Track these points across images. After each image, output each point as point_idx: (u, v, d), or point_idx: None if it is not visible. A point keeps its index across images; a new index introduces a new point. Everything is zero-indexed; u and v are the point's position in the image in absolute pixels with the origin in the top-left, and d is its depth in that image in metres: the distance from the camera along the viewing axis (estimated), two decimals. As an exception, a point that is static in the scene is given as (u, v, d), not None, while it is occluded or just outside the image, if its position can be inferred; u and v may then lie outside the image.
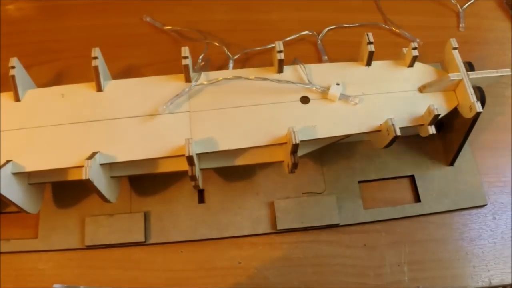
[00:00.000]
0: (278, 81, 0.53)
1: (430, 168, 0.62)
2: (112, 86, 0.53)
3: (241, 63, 0.67)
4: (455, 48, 0.55)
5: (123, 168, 0.53)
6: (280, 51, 0.53)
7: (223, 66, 0.66)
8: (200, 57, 0.64)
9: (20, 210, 0.50)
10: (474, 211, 0.61)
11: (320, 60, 0.69)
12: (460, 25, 0.73)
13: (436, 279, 0.57)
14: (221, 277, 0.56)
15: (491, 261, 0.58)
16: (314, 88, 0.54)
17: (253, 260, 0.57)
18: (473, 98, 0.52)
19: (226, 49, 0.67)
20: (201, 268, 0.57)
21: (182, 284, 0.56)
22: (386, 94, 0.54)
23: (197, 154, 0.49)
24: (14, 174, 0.49)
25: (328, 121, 0.52)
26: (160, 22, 0.70)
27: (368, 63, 0.56)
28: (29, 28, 0.70)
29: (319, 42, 0.70)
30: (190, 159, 0.48)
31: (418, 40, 0.68)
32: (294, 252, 0.58)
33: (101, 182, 0.48)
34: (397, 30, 0.71)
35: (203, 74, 0.54)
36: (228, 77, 0.52)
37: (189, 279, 0.56)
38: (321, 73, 0.55)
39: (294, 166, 0.51)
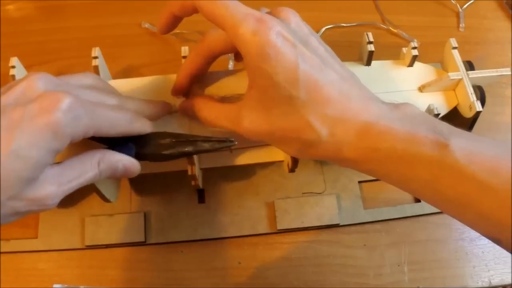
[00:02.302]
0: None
1: (430, 168, 0.62)
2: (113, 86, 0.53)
3: (241, 63, 0.67)
4: (454, 48, 0.55)
5: (123, 168, 0.52)
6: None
7: (224, 67, 0.66)
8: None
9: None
10: (474, 211, 0.60)
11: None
12: (460, 25, 0.73)
13: (436, 279, 0.57)
14: (221, 277, 0.56)
15: (491, 261, 0.58)
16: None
17: (253, 260, 0.57)
18: (472, 97, 0.52)
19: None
20: (201, 268, 0.57)
21: (182, 284, 0.56)
22: (386, 94, 0.54)
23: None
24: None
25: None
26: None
27: (368, 63, 0.56)
28: (29, 28, 0.70)
29: (317, 41, 0.70)
30: (190, 158, 0.48)
31: (415, 40, 0.68)
32: (294, 252, 0.58)
33: (101, 181, 0.48)
34: (395, 30, 0.71)
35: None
36: (227, 96, 0.53)
37: (189, 279, 0.56)
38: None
39: (294, 165, 0.51)
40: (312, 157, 0.44)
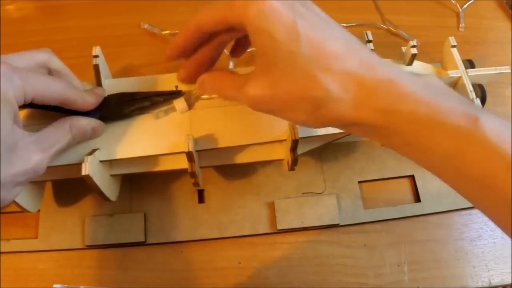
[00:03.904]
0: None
1: (430, 168, 0.62)
2: (113, 85, 0.53)
3: (242, 63, 0.67)
4: (453, 46, 0.55)
5: (123, 166, 0.53)
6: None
7: (223, 67, 0.66)
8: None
9: (20, 209, 0.50)
10: (474, 211, 0.60)
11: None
12: (460, 25, 0.73)
13: (436, 279, 0.57)
14: (221, 277, 0.56)
15: (491, 261, 0.58)
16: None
17: (253, 260, 0.57)
18: (472, 94, 0.52)
19: (225, 50, 0.67)
20: (201, 268, 0.57)
21: (182, 284, 0.56)
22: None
23: (196, 151, 0.50)
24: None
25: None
26: (158, 28, 0.70)
27: (368, 62, 0.56)
28: (29, 28, 0.70)
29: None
30: (190, 155, 0.48)
31: (415, 40, 0.68)
32: (294, 252, 0.58)
33: (101, 179, 0.48)
34: (395, 30, 0.72)
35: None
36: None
37: (189, 279, 0.56)
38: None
39: (294, 163, 0.51)
40: (324, 122, 0.40)
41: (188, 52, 0.47)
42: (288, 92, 0.39)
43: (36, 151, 0.42)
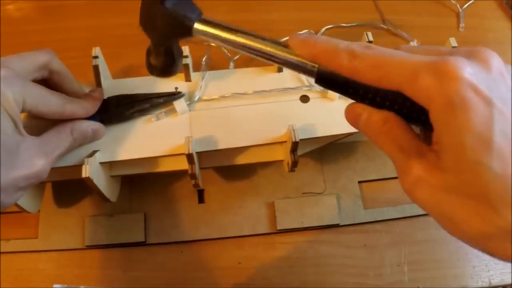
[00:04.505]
0: (277, 90, 0.53)
1: (430, 168, 0.62)
2: (112, 86, 0.53)
3: (242, 64, 0.67)
4: (454, 47, 0.55)
5: (123, 167, 0.53)
6: (279, 50, 0.53)
7: (223, 67, 0.66)
8: (204, 59, 0.64)
9: (20, 209, 0.50)
10: (474, 211, 0.60)
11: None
12: (460, 25, 0.73)
13: (436, 279, 0.57)
14: (221, 277, 0.56)
15: (491, 261, 0.58)
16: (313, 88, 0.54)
17: (253, 260, 0.57)
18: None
19: (225, 50, 0.67)
20: (201, 268, 0.57)
21: (182, 284, 0.56)
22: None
23: (197, 152, 0.50)
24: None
25: (328, 120, 0.52)
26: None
27: (368, 63, 0.56)
28: (29, 28, 0.70)
29: (317, 42, 0.70)
30: (190, 157, 0.48)
31: (415, 40, 0.68)
32: (294, 252, 0.58)
33: (101, 180, 0.48)
34: (395, 30, 0.72)
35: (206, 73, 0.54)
36: (226, 95, 0.53)
37: (189, 279, 0.56)
38: (321, 72, 0.55)
39: (294, 164, 0.51)
40: (492, 253, 0.33)
41: None
42: (454, 204, 0.32)
43: (39, 156, 0.42)
